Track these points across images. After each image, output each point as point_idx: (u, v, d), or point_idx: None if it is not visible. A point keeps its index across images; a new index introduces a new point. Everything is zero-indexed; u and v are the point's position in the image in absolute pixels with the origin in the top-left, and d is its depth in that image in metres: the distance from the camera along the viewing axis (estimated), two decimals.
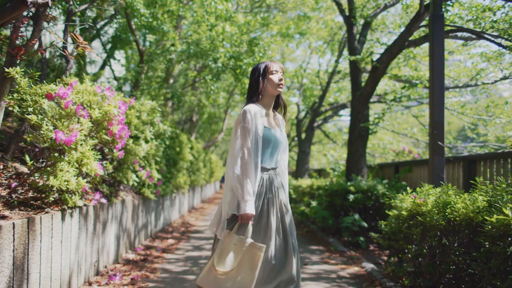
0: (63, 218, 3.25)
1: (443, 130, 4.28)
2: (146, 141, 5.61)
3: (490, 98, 11.13)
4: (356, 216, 5.70)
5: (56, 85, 3.20)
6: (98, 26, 8.83)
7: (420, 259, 3.63)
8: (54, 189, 3.15)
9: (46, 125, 3.06)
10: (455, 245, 3.15)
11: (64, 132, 3.06)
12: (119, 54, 11.98)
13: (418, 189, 3.70)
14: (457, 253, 3.18)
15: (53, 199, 3.26)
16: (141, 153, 5.06)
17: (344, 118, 18.58)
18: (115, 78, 8.04)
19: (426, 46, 9.49)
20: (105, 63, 8.81)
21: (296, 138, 13.90)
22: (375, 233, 6.43)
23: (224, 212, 2.41)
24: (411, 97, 10.36)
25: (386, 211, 4.24)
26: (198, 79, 9.39)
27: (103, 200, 4.23)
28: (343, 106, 13.38)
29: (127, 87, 9.73)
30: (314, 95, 15.00)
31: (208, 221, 9.17)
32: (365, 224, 5.71)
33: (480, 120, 10.52)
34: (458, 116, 11.20)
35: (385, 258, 5.43)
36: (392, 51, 6.34)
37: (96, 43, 10.76)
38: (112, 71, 8.29)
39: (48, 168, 3.17)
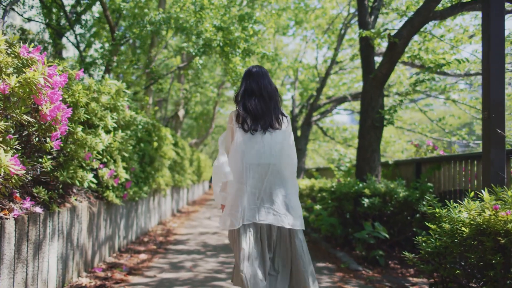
0: None
1: (504, 114, 3.16)
2: (108, 131, 4.41)
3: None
4: (377, 224, 4.55)
5: None
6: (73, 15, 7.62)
7: None
8: None
9: None
10: None
11: None
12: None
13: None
14: None
15: None
16: (99, 146, 3.87)
17: (343, 112, 17.51)
18: (83, 61, 6.79)
19: (442, 24, 8.43)
20: (80, 51, 7.60)
21: None
22: (397, 246, 5.32)
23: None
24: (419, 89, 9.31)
25: (426, 223, 3.12)
26: (183, 64, 8.18)
27: (38, 209, 3.02)
28: (343, 100, 12.25)
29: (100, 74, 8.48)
30: (310, 88, 13.86)
31: (196, 227, 7.93)
32: (387, 236, 4.56)
33: None
34: (467, 110, 10.21)
35: (411, 279, 4.30)
36: (413, 24, 5.22)
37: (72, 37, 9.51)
38: (80, 52, 7.04)
39: None
